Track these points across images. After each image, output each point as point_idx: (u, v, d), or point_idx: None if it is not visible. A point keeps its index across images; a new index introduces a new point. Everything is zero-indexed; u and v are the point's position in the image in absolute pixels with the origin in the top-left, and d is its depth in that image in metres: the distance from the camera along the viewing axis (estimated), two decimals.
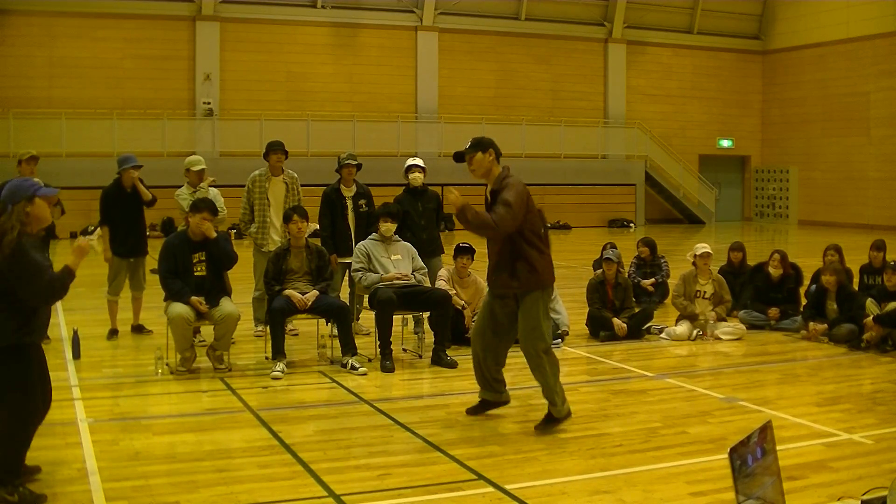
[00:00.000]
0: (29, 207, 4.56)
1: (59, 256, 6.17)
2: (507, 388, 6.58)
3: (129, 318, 9.43)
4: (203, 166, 9.38)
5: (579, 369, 8.35)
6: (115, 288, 9.23)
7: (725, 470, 2.91)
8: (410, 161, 9.57)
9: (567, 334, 9.13)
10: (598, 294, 9.56)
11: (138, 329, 9.43)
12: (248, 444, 5.65)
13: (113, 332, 9.18)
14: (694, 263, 9.71)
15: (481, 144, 6.12)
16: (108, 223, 9.04)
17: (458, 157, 6.21)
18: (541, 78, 30.14)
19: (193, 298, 7.47)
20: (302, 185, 9.41)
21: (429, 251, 9.22)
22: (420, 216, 9.32)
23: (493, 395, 6.47)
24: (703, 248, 9.63)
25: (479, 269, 10.20)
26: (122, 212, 9.08)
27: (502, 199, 5.87)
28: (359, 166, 9.33)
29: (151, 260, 9.27)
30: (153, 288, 8.91)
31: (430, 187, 9.64)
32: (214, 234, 7.68)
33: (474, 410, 6.47)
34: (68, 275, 4.61)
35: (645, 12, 31.18)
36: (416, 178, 9.37)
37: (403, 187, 9.51)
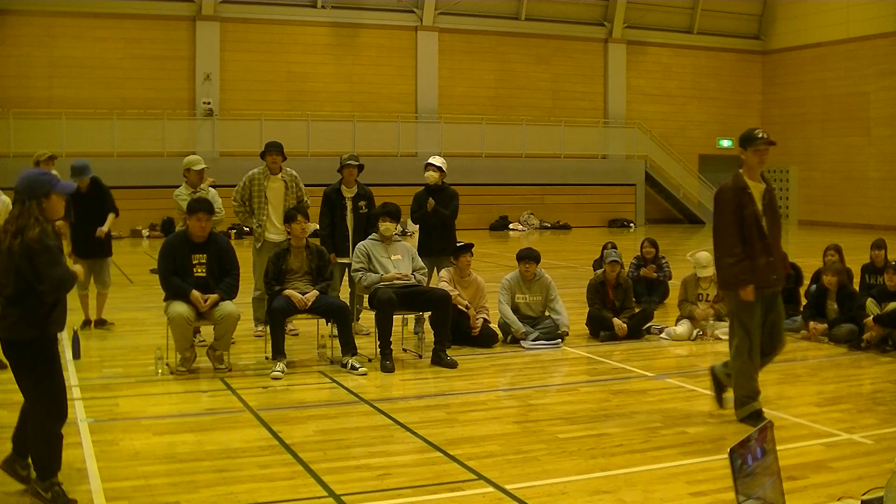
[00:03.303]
0: (45, 203, 4.64)
1: None
2: (509, 389, 6.55)
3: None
4: (204, 166, 9.40)
5: (579, 369, 8.35)
6: (82, 284, 9.52)
7: (725, 470, 2.91)
8: (429, 159, 9.63)
9: (567, 334, 9.12)
10: (599, 294, 9.56)
11: (101, 322, 9.74)
12: (248, 444, 5.65)
13: (86, 323, 9.60)
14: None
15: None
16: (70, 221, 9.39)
17: (770, 142, 6.46)
18: (541, 78, 30.14)
19: (195, 294, 7.46)
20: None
21: (438, 250, 9.25)
22: (433, 215, 9.34)
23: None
24: (703, 270, 9.58)
25: (480, 269, 10.23)
26: (82, 214, 9.32)
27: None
28: (360, 167, 9.33)
29: (151, 260, 9.28)
30: (153, 288, 8.93)
31: (450, 186, 9.65)
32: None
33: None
34: (74, 275, 4.71)
35: (645, 12, 31.18)
36: (429, 176, 9.43)
37: (403, 186, 9.53)
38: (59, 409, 4.73)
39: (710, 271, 9.67)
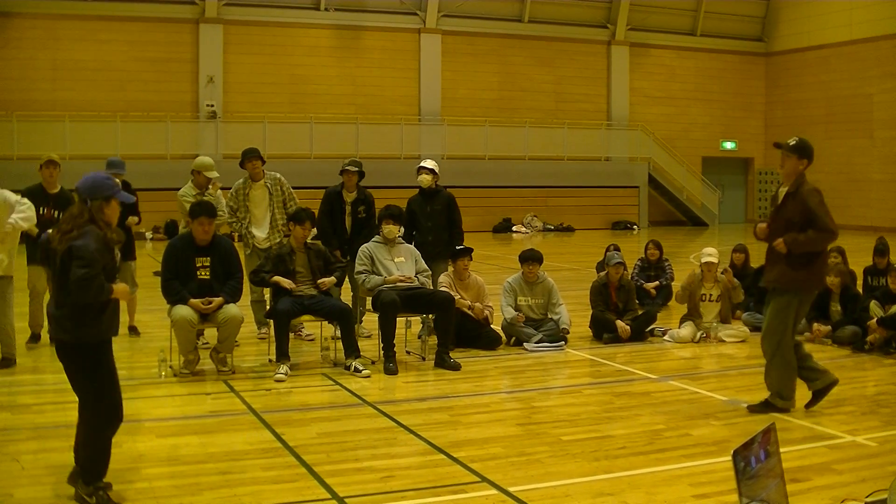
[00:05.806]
0: (107, 208, 4.64)
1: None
2: (512, 391, 6.54)
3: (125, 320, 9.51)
4: (217, 175, 9.25)
5: (582, 371, 8.35)
6: None
7: (729, 472, 2.91)
8: (421, 163, 9.62)
9: (567, 332, 9.10)
10: (602, 296, 9.56)
11: (132, 330, 9.54)
12: (252, 447, 5.66)
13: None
14: (701, 269, 9.70)
15: (803, 151, 6.35)
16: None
17: (777, 145, 6.48)
18: (544, 80, 30.16)
19: (193, 301, 7.47)
20: (304, 188, 9.40)
21: (433, 254, 9.22)
22: (427, 218, 9.33)
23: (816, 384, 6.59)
24: (707, 256, 9.59)
25: (482, 272, 10.24)
26: None
27: (815, 209, 6.37)
28: (361, 174, 9.28)
29: (154, 263, 9.27)
30: (157, 290, 8.92)
31: (444, 189, 9.63)
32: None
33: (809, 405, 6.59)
34: (109, 289, 4.61)
35: (648, 14, 31.19)
36: (422, 179, 9.41)
37: (406, 189, 9.54)
38: (115, 415, 4.77)
39: (713, 257, 9.64)
